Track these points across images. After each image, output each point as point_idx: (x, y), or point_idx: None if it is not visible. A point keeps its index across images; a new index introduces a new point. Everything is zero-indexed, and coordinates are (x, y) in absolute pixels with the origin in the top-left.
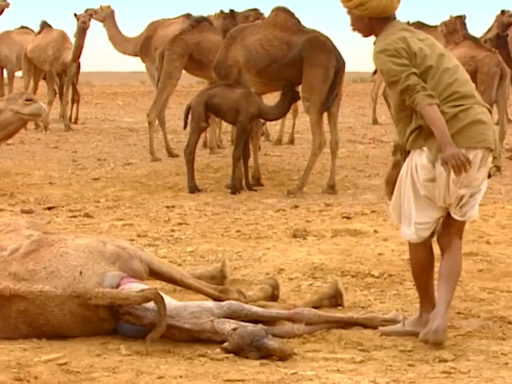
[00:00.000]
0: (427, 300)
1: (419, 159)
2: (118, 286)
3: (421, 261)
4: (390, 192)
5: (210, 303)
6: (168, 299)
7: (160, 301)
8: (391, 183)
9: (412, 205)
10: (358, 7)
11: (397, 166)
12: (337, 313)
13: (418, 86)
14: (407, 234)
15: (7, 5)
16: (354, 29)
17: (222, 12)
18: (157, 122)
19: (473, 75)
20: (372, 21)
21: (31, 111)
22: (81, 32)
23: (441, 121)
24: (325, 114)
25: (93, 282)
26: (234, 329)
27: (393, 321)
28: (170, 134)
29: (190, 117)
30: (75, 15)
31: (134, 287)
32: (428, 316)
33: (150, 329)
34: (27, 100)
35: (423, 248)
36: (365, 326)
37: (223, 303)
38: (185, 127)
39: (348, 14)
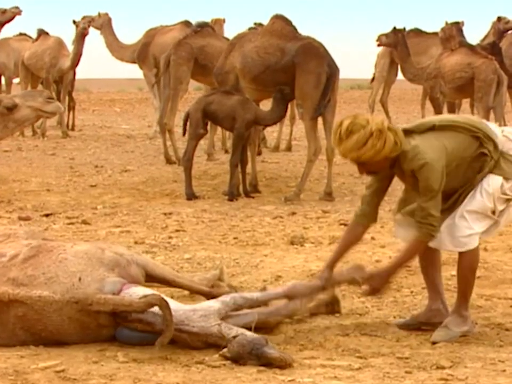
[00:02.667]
0: (470, 297)
1: (501, 180)
2: (119, 292)
3: (478, 259)
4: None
5: (217, 304)
6: (175, 303)
7: (165, 306)
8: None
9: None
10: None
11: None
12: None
13: (435, 222)
14: (470, 244)
15: (19, 12)
16: (372, 173)
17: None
18: (155, 128)
19: (470, 82)
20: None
21: (53, 109)
22: (81, 38)
23: (410, 259)
24: (321, 121)
25: (92, 288)
26: (234, 337)
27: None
28: (168, 141)
29: (188, 123)
30: (74, 22)
31: (137, 291)
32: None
33: (159, 335)
34: (48, 98)
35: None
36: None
37: (227, 300)
38: (184, 134)
39: (362, 165)
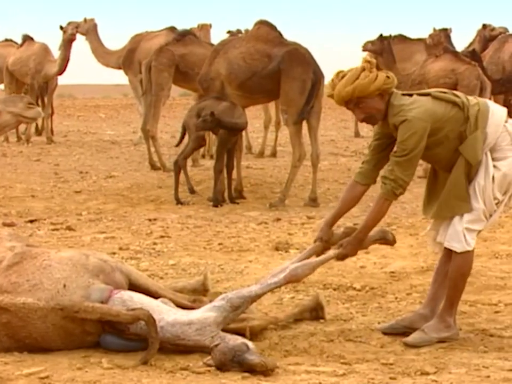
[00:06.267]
0: (457, 305)
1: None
2: (108, 298)
3: (471, 267)
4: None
5: (212, 313)
6: (174, 315)
7: (152, 323)
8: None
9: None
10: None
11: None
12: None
13: (401, 181)
14: (466, 245)
15: None
16: (369, 118)
17: (229, 31)
18: (140, 134)
19: (454, 88)
20: (384, 97)
21: (33, 115)
22: (68, 44)
23: (379, 219)
24: (306, 127)
25: (78, 295)
26: (216, 345)
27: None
28: (152, 147)
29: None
30: (61, 27)
31: (130, 297)
32: (453, 319)
33: (144, 342)
34: (29, 104)
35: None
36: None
37: (223, 303)
38: (178, 144)
39: (357, 106)
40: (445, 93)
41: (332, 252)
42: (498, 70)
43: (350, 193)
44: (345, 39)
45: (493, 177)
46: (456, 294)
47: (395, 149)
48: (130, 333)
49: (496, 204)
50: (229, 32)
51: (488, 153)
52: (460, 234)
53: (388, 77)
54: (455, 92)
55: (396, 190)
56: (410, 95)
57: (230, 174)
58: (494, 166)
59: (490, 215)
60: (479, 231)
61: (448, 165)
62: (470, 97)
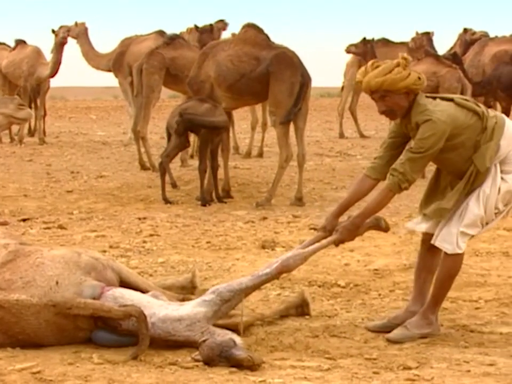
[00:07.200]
0: (441, 304)
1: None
2: (100, 295)
3: (459, 269)
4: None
5: (203, 308)
6: (165, 311)
7: (142, 320)
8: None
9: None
10: (415, 81)
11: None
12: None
13: (409, 176)
14: (457, 248)
15: None
16: (389, 112)
17: (196, 26)
18: (130, 135)
19: (435, 90)
20: (409, 96)
21: (24, 116)
22: (60, 47)
23: (379, 208)
24: (292, 128)
25: (70, 292)
26: (204, 341)
27: None
28: (142, 148)
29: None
30: (53, 31)
31: (123, 294)
32: (436, 317)
33: (135, 337)
34: (20, 105)
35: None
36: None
37: (213, 297)
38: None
39: (382, 98)
40: (467, 100)
41: (325, 241)
42: (479, 72)
43: (359, 186)
44: (344, 39)
45: (499, 189)
46: (441, 293)
47: (411, 144)
48: (123, 329)
49: (496, 213)
50: (196, 27)
51: (498, 165)
52: (453, 236)
53: (419, 78)
54: (476, 101)
55: (402, 183)
56: (434, 98)
57: (216, 174)
58: (502, 178)
59: (487, 223)
60: (472, 236)
61: (457, 171)
62: (489, 110)
